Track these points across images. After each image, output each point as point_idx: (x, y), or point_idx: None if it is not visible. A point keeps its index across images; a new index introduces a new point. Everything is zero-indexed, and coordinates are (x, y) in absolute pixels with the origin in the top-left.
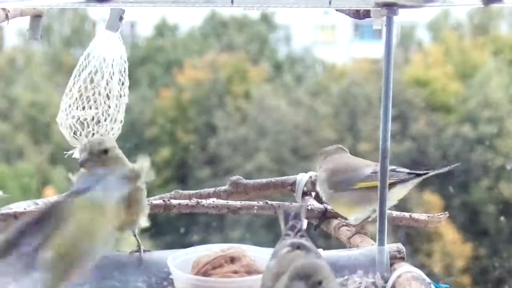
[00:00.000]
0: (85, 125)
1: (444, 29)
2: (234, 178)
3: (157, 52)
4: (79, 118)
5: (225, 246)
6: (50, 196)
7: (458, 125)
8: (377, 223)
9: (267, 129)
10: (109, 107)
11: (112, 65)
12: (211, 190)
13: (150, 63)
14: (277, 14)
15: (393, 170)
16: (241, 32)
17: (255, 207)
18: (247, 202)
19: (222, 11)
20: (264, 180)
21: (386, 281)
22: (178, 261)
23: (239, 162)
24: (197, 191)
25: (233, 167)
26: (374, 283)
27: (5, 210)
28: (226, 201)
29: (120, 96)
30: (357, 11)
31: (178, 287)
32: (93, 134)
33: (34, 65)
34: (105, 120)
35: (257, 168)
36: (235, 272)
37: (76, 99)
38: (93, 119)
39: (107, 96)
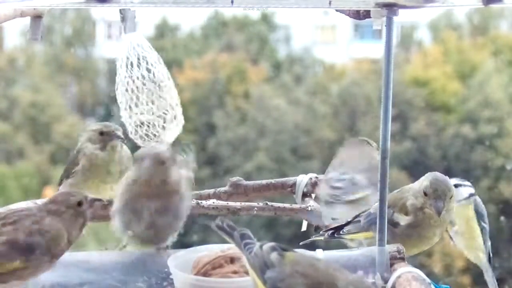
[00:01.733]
0: (149, 126)
1: (444, 29)
2: (234, 179)
3: (157, 52)
4: (148, 123)
5: (225, 246)
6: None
7: (458, 125)
8: (377, 223)
9: (267, 129)
10: (167, 101)
11: (151, 63)
12: (211, 191)
13: None
14: (277, 14)
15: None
16: (241, 32)
17: (255, 208)
18: (247, 203)
19: (224, 11)
20: (264, 182)
21: (386, 282)
22: (178, 261)
23: (239, 162)
24: (197, 192)
25: (233, 167)
26: (374, 283)
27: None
28: (226, 202)
29: (166, 80)
30: (357, 11)
31: (178, 287)
32: (156, 133)
33: (34, 66)
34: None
35: (256, 168)
36: (235, 272)
37: (135, 104)
38: (156, 114)
39: (160, 91)
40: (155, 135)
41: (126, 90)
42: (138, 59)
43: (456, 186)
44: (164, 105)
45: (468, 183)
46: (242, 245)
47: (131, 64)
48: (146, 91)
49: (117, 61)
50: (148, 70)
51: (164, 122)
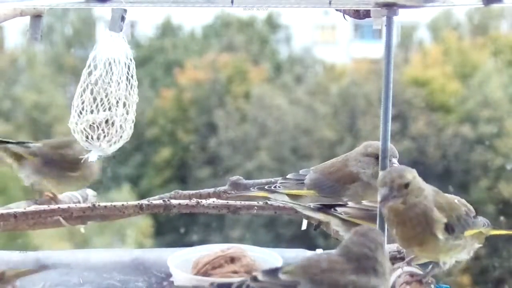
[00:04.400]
0: (95, 128)
1: (444, 29)
2: (234, 178)
3: (158, 53)
4: (93, 123)
5: (225, 246)
6: (51, 196)
7: (458, 125)
8: (377, 223)
9: (267, 128)
10: (118, 108)
11: (119, 66)
12: (211, 190)
13: (151, 63)
14: (280, 15)
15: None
16: (241, 33)
17: (255, 207)
18: (247, 202)
19: (230, 11)
20: (263, 180)
21: None
22: (178, 261)
23: (240, 161)
24: (197, 191)
25: (233, 167)
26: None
27: (5, 210)
28: (226, 201)
29: (129, 95)
30: (357, 11)
31: (178, 287)
32: (105, 136)
33: (36, 66)
34: (113, 123)
35: (257, 168)
36: (235, 272)
37: (88, 103)
38: (107, 121)
39: (118, 97)
40: (92, 138)
41: (87, 91)
42: (106, 62)
43: None
44: (116, 112)
45: None
46: None
47: (96, 66)
48: (104, 97)
49: (87, 60)
50: (112, 77)
51: (107, 128)
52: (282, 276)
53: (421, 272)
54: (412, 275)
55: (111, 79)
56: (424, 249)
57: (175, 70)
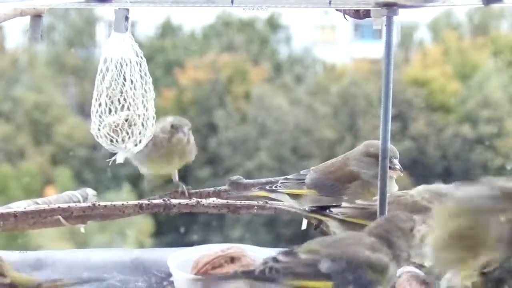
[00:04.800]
0: (119, 131)
1: (444, 29)
2: (234, 178)
3: (158, 53)
4: (117, 125)
5: (225, 246)
6: (51, 195)
7: (458, 125)
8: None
9: (267, 128)
10: (137, 107)
11: (131, 65)
12: (211, 189)
13: (151, 63)
14: (282, 15)
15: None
16: (241, 33)
17: (255, 207)
18: (247, 202)
19: (230, 12)
20: (263, 180)
21: None
22: (178, 261)
23: (240, 161)
24: (197, 190)
25: (233, 167)
26: None
27: (5, 209)
28: (226, 200)
29: (146, 92)
30: (357, 11)
31: (178, 287)
32: (129, 137)
33: (36, 66)
34: (135, 123)
35: (257, 167)
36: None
37: (106, 106)
38: (128, 122)
39: (135, 96)
40: (117, 141)
41: (103, 95)
42: (118, 64)
43: None
44: (136, 111)
45: None
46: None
47: (108, 68)
48: (122, 99)
49: (99, 64)
50: (126, 77)
51: (130, 128)
52: (302, 256)
53: (422, 272)
54: (413, 274)
55: (124, 79)
56: (455, 258)
57: (176, 70)
